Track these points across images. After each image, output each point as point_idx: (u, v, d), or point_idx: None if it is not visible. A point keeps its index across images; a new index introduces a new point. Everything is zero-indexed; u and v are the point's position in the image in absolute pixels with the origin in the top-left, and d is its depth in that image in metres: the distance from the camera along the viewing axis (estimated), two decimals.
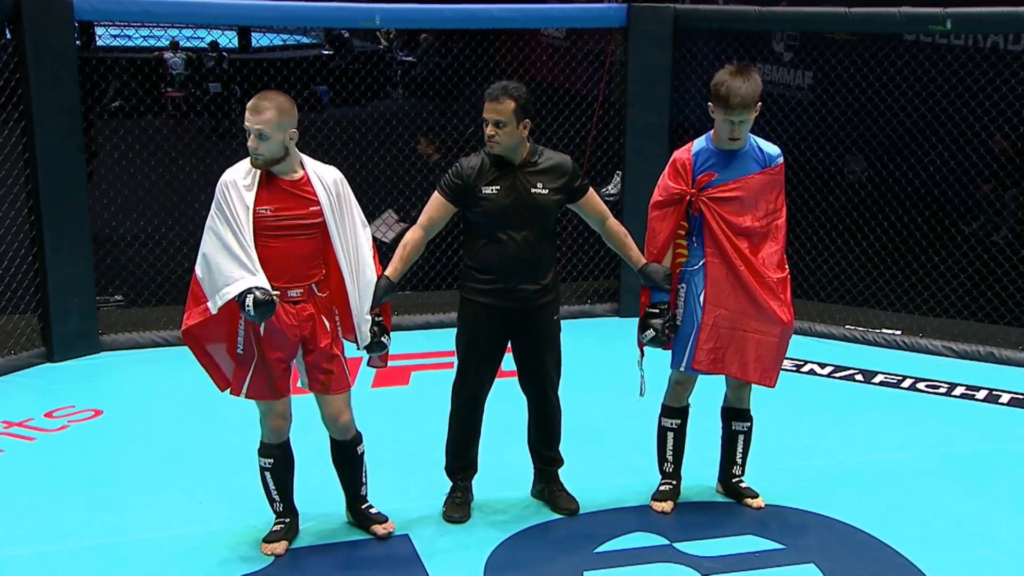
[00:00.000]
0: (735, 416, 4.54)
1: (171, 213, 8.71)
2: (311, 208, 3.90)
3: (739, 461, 4.58)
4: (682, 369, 4.38)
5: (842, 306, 7.43)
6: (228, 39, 14.90)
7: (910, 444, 5.30)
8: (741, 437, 4.55)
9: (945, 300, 7.15)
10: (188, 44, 15.80)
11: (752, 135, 4.30)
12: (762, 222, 4.28)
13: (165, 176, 8.36)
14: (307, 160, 3.99)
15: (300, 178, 3.93)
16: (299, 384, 4.08)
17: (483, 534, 4.31)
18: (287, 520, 4.18)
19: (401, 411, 5.45)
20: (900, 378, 6.25)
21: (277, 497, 4.15)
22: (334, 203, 3.95)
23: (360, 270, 4.02)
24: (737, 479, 4.59)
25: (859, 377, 6.29)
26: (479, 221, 4.21)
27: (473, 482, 4.52)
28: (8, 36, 6.23)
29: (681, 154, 4.32)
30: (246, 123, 3.82)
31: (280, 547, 4.10)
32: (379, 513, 4.30)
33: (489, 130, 4.10)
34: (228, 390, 4.07)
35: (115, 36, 12.95)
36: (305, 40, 20.64)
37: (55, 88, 6.09)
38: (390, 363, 4.37)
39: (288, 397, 4.04)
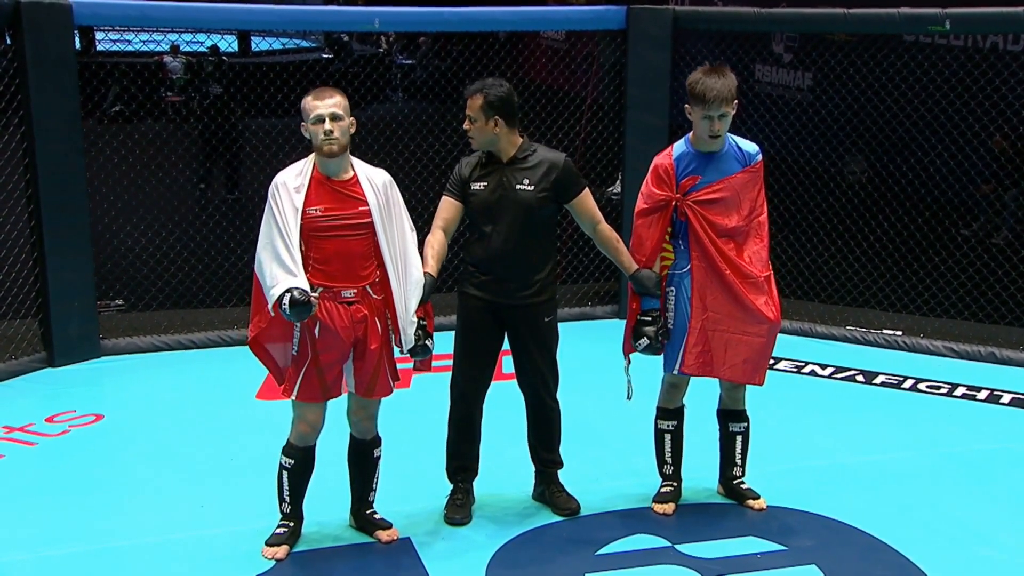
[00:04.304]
0: (731, 417, 4.53)
1: (171, 217, 8.73)
2: (360, 208, 3.95)
3: (738, 462, 4.57)
4: (674, 372, 4.38)
5: (842, 307, 7.44)
6: (228, 43, 14.89)
7: (911, 445, 5.30)
8: (739, 438, 4.54)
9: (946, 300, 7.16)
10: (188, 48, 15.84)
11: (730, 134, 4.30)
12: (746, 220, 4.28)
13: (165, 180, 8.36)
14: (357, 162, 4.04)
15: (350, 179, 3.99)
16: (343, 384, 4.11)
17: (484, 536, 4.31)
18: (291, 524, 4.19)
19: (402, 414, 5.44)
20: (901, 379, 6.25)
21: (288, 498, 4.17)
22: (382, 204, 3.99)
23: (407, 272, 4.06)
24: (738, 480, 4.59)
25: (860, 378, 6.28)
26: (471, 216, 4.31)
27: (474, 484, 4.52)
28: (8, 41, 6.23)
29: (662, 160, 4.32)
30: (316, 111, 3.88)
31: (281, 551, 4.10)
32: (383, 519, 4.30)
33: (465, 125, 4.25)
34: (279, 393, 4.09)
35: (115, 41, 12.98)
36: (305, 44, 20.64)
37: (55, 93, 6.10)
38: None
39: (324, 407, 4.06)
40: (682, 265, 4.31)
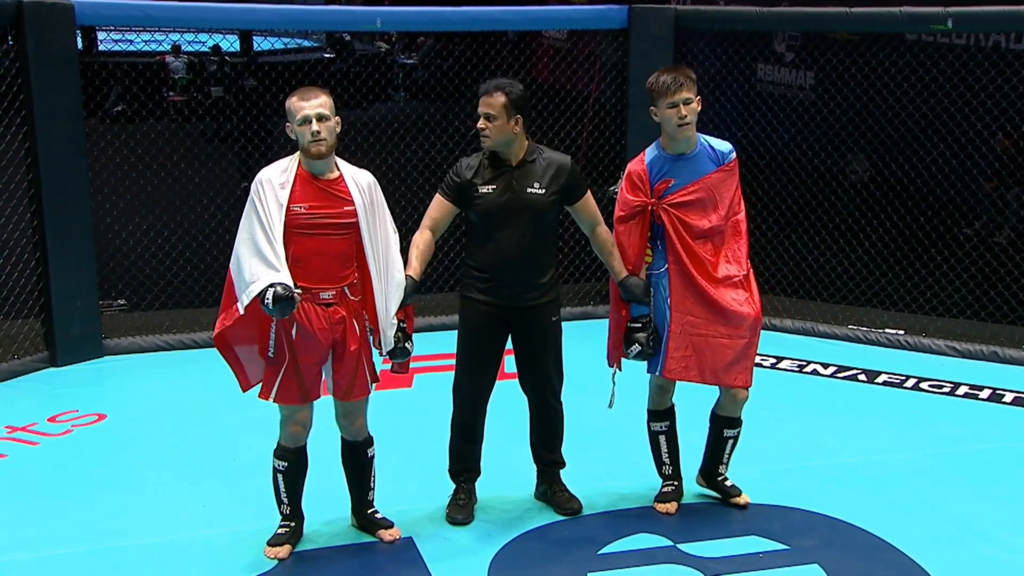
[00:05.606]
0: (727, 424, 4.49)
1: (173, 217, 8.73)
2: (345, 208, 3.94)
3: (725, 461, 4.56)
4: (657, 374, 4.38)
5: (845, 306, 7.44)
6: (229, 43, 14.91)
7: (913, 444, 5.30)
8: (730, 442, 4.52)
9: (948, 300, 7.15)
10: (190, 48, 15.84)
11: (702, 135, 4.29)
12: (724, 220, 4.28)
13: (167, 180, 8.37)
14: (341, 162, 4.03)
15: (336, 178, 3.97)
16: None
17: (487, 536, 4.31)
18: (292, 524, 4.19)
19: (404, 414, 5.45)
20: (903, 378, 6.24)
21: (286, 500, 4.17)
22: (367, 205, 3.98)
23: (389, 274, 4.05)
24: (722, 477, 4.58)
25: (862, 377, 6.28)
26: (475, 220, 4.25)
27: (476, 484, 4.52)
28: (10, 41, 6.24)
29: (635, 166, 4.31)
30: (302, 112, 3.85)
31: (283, 551, 4.10)
32: (385, 518, 4.30)
33: (480, 124, 4.16)
34: (253, 391, 4.07)
35: (117, 40, 12.99)
36: (307, 43, 20.66)
37: (57, 93, 6.10)
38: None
39: (311, 405, 4.05)
40: (658, 265, 4.31)
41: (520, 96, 4.16)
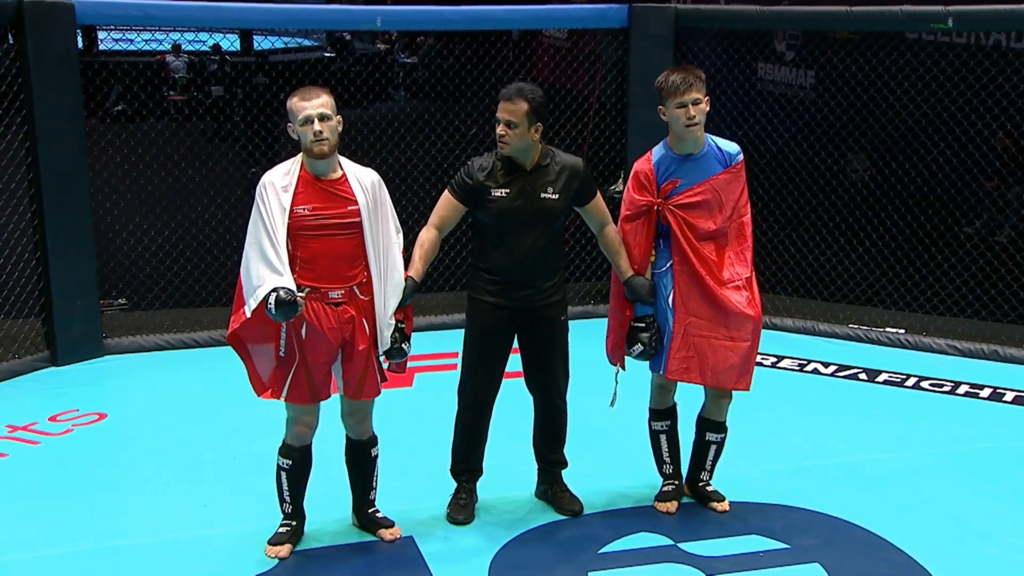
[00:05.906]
0: (711, 428, 4.47)
1: (174, 216, 8.73)
2: (349, 208, 3.93)
3: (708, 467, 4.53)
4: (660, 373, 4.37)
5: (845, 305, 7.44)
6: (230, 42, 14.90)
7: (914, 443, 5.30)
8: (713, 447, 4.49)
9: (949, 299, 7.15)
10: (190, 47, 15.85)
11: (710, 135, 4.28)
12: (728, 222, 4.27)
13: (167, 179, 8.37)
14: (345, 161, 4.03)
15: (339, 178, 3.96)
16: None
17: (487, 536, 4.31)
18: (293, 523, 4.19)
19: (405, 413, 5.45)
20: (904, 377, 6.24)
21: (288, 498, 4.17)
22: (371, 204, 3.97)
23: (389, 274, 4.04)
24: (704, 483, 4.56)
25: (863, 376, 6.28)
26: (487, 223, 4.21)
27: (477, 483, 4.52)
28: (11, 40, 6.24)
29: (642, 165, 4.30)
30: (304, 112, 3.84)
31: (284, 550, 4.10)
32: (385, 517, 4.30)
33: (500, 130, 4.09)
34: (264, 394, 4.06)
35: (117, 40, 13.01)
36: (307, 43, 20.67)
37: (58, 92, 6.10)
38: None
39: (319, 406, 4.06)
40: (662, 264, 4.30)
41: (542, 104, 4.10)
